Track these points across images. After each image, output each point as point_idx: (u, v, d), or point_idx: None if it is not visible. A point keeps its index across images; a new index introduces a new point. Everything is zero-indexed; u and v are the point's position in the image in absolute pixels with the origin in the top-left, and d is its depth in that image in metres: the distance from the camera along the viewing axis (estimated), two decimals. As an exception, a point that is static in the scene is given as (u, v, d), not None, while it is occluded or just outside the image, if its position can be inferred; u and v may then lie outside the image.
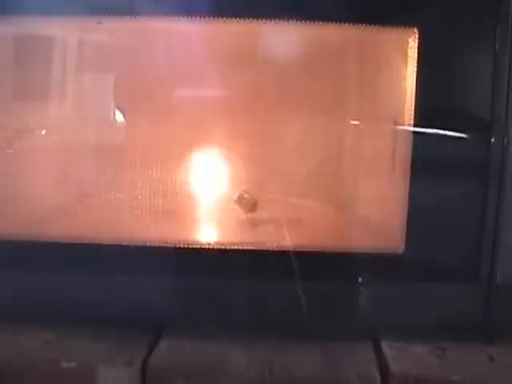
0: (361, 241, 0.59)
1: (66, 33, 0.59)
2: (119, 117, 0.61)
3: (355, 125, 0.60)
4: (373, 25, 0.55)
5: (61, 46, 0.59)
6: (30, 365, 0.54)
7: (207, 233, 0.60)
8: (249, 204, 0.59)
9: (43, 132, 0.60)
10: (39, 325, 0.58)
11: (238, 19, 0.55)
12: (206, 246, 0.59)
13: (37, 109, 0.61)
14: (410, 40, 0.56)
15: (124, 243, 0.58)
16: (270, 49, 0.58)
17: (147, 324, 0.59)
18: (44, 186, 0.61)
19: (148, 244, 0.58)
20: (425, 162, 0.56)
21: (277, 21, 0.55)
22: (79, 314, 0.58)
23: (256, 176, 0.61)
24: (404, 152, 0.56)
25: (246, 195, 0.58)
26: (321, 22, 0.55)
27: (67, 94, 0.60)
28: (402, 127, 0.57)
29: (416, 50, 0.55)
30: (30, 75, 0.60)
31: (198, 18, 0.55)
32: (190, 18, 0.55)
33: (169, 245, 0.58)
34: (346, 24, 0.55)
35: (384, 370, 0.54)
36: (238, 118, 0.60)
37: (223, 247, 0.58)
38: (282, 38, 0.57)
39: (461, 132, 0.55)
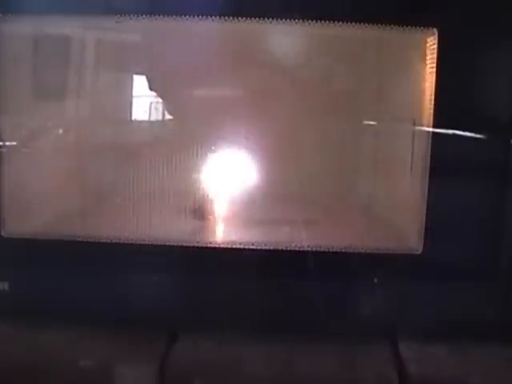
0: (378, 241, 0.60)
1: (84, 32, 0.62)
2: (136, 116, 0.63)
3: (373, 125, 0.62)
4: (391, 25, 0.56)
5: (79, 46, 0.61)
6: (46, 363, 0.56)
7: (224, 232, 0.63)
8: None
9: (60, 131, 0.62)
10: (56, 323, 0.60)
11: (254, 19, 0.57)
12: (222, 246, 0.60)
13: (54, 108, 0.63)
14: (429, 40, 0.57)
15: (141, 242, 0.59)
16: (287, 49, 0.60)
17: (164, 324, 0.60)
18: (61, 185, 0.63)
19: (165, 243, 0.59)
20: (443, 162, 0.57)
21: (294, 20, 0.57)
22: (96, 313, 0.60)
23: (271, 175, 0.62)
24: (423, 152, 0.57)
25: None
26: (338, 22, 0.56)
27: (85, 94, 0.62)
28: (420, 128, 0.58)
29: (435, 51, 0.56)
30: (47, 74, 0.62)
31: (217, 18, 0.57)
32: (207, 18, 0.57)
33: (186, 244, 0.59)
34: (364, 24, 0.56)
35: (401, 371, 0.56)
36: (253, 117, 0.62)
37: (240, 247, 0.60)
38: (300, 38, 0.60)
39: (480, 133, 0.57)
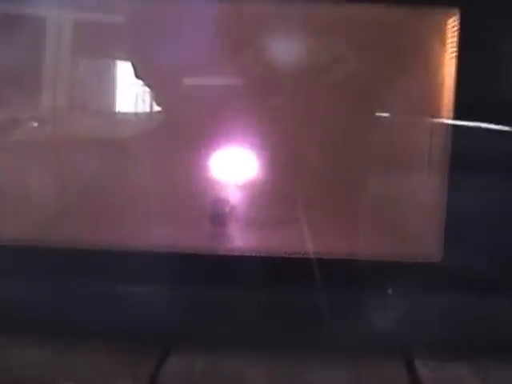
0: (392, 247, 0.58)
1: (60, 12, 0.57)
2: (121, 108, 0.60)
3: (386, 117, 0.59)
4: (408, 5, 0.54)
5: (55, 28, 0.57)
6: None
7: (221, 238, 0.59)
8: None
9: (36, 124, 0.59)
10: (35, 338, 0.56)
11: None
12: (220, 253, 0.58)
13: (28, 99, 0.59)
14: (451, 22, 0.54)
15: (129, 249, 0.56)
16: (291, 34, 0.56)
17: (155, 338, 0.57)
18: (37, 186, 0.59)
19: (156, 250, 0.56)
20: (466, 159, 0.54)
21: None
22: (79, 326, 0.56)
23: (273, 174, 0.59)
24: (442, 148, 0.55)
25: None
26: (347, 2, 0.54)
27: (63, 83, 0.58)
28: (439, 120, 0.56)
29: (457, 34, 0.53)
30: (20, 61, 0.57)
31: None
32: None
33: (178, 251, 0.57)
34: (377, 4, 0.54)
35: (418, 391, 0.54)
36: (254, 110, 0.58)
37: (238, 254, 0.57)
38: (304, 21, 0.56)
39: (506, 125, 0.54)
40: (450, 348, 0.56)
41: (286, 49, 0.57)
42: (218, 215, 0.58)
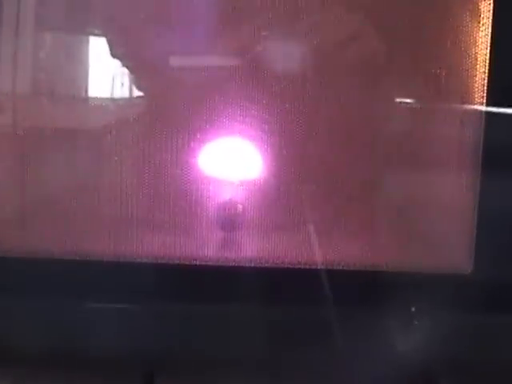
0: (414, 257, 0.52)
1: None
2: (95, 93, 0.52)
3: (408, 104, 0.53)
4: None
5: None
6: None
7: (212, 246, 0.53)
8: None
9: None
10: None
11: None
12: (211, 263, 0.51)
13: None
14: None
15: (100, 259, 0.50)
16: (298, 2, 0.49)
17: (134, 363, 0.52)
18: None
19: (134, 260, 0.50)
20: (501, 152, 0.48)
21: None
22: (44, 351, 0.50)
23: (278, 170, 0.52)
24: (473, 140, 0.49)
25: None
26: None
27: (24, 62, 0.51)
28: (470, 106, 0.50)
29: (491, 7, 0.48)
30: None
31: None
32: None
33: (160, 261, 0.50)
34: None
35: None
36: (260, 95, 0.51)
37: (233, 264, 0.51)
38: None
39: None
40: (484, 377, 0.50)
41: (292, 22, 0.50)
42: (222, 219, 0.52)
